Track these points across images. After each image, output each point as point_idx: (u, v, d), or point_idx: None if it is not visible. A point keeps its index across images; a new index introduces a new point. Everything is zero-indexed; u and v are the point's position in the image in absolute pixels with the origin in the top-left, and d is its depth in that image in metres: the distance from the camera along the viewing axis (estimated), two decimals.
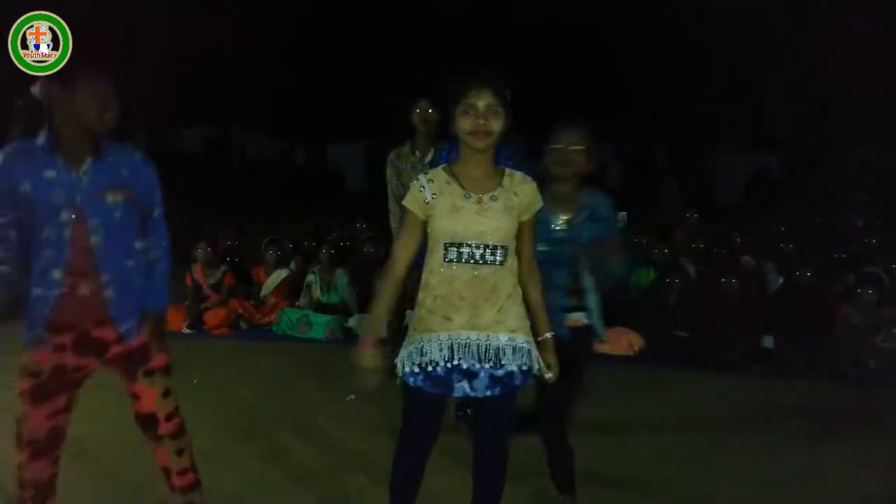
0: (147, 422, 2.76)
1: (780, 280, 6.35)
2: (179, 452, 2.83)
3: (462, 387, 2.47)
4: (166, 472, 2.87)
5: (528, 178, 2.56)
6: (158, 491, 3.57)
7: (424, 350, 2.45)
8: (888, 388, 5.14)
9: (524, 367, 2.49)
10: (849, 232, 7.83)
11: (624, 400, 5.00)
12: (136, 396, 2.76)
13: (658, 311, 6.17)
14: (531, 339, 2.54)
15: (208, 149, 19.28)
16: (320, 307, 6.54)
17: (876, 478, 3.80)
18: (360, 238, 7.44)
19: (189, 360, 5.64)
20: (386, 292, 2.52)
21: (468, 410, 3.54)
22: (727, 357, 5.69)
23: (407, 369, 2.48)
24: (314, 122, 17.97)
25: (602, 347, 5.99)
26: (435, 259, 2.46)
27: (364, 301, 6.56)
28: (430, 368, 2.45)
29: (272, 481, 3.68)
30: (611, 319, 6.13)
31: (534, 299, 2.58)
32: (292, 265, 7.05)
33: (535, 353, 2.53)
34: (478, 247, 2.42)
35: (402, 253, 2.50)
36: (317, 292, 6.62)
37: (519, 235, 2.52)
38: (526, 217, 2.51)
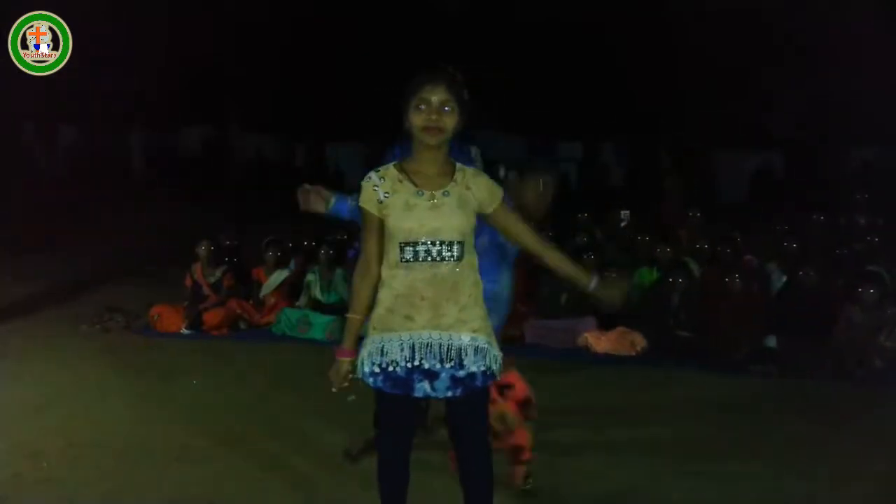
0: (525, 405, 3.21)
1: (784, 279, 6.33)
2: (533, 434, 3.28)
3: (423, 387, 2.44)
4: (520, 450, 3.27)
5: (480, 172, 2.56)
6: (159, 492, 3.56)
7: (385, 350, 2.43)
8: (892, 388, 5.12)
9: (484, 368, 2.47)
10: (852, 231, 7.80)
11: (627, 399, 4.99)
12: (510, 385, 3.21)
13: (661, 311, 6.15)
14: (492, 339, 2.53)
15: (208, 148, 19.27)
16: (319, 307, 6.52)
17: (879, 477, 3.78)
18: (360, 238, 7.41)
19: (188, 361, 5.63)
20: (364, 293, 2.50)
21: None
22: (730, 356, 5.66)
23: (367, 369, 2.46)
24: (314, 121, 17.96)
25: (606, 347, 5.98)
26: (392, 258, 2.44)
27: None
28: (390, 368, 2.43)
29: (270, 483, 3.65)
30: (613, 319, 6.17)
31: (555, 260, 2.57)
32: (292, 265, 7.02)
33: (494, 352, 2.51)
34: (433, 244, 2.40)
35: (373, 252, 2.49)
36: (316, 292, 6.60)
37: (502, 224, 2.54)
38: (491, 209, 2.50)
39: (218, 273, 6.63)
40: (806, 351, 5.54)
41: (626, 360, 5.82)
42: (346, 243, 7.13)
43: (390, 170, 2.50)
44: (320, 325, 6.27)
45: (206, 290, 6.57)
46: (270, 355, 5.87)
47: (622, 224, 8.61)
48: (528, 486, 3.41)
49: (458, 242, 2.42)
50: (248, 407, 4.71)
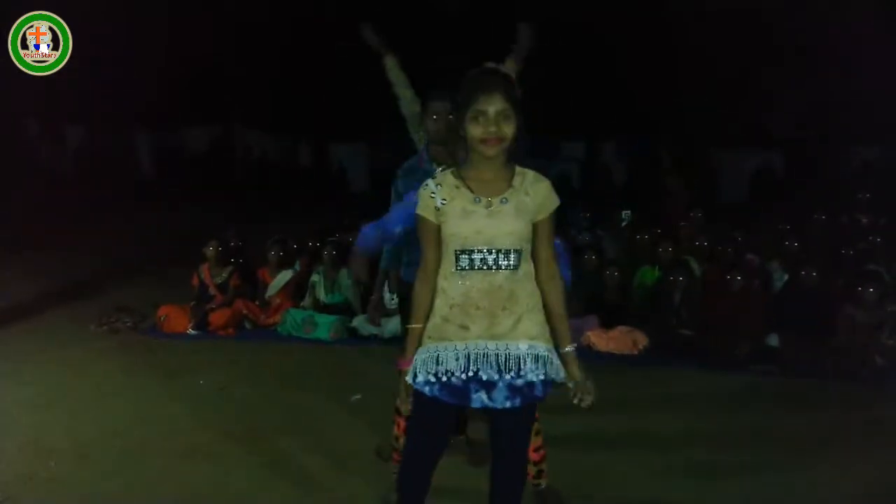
0: None
1: (785, 278, 6.35)
2: (537, 433, 3.24)
3: (480, 397, 2.38)
4: None
5: (541, 177, 2.46)
6: (166, 490, 3.59)
7: (440, 359, 2.37)
8: (894, 387, 5.13)
9: (543, 377, 2.41)
10: (853, 230, 7.82)
11: (628, 397, 5.00)
12: None
13: (662, 310, 6.17)
14: (552, 346, 2.45)
15: (211, 148, 19.27)
16: (324, 307, 6.53)
17: (879, 477, 3.80)
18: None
19: (194, 361, 5.65)
20: (426, 302, 2.44)
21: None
22: (732, 355, 5.68)
23: (421, 378, 2.40)
24: (316, 120, 17.96)
25: (608, 345, 6.00)
26: (447, 266, 2.39)
27: (367, 301, 6.54)
28: (444, 378, 2.37)
29: (275, 482, 3.68)
30: (615, 318, 6.19)
31: (552, 306, 2.46)
32: (297, 266, 7.04)
33: (556, 361, 2.44)
34: (490, 252, 2.34)
35: (433, 260, 2.43)
36: (321, 292, 6.61)
37: (535, 237, 2.42)
38: (541, 217, 2.42)
39: (225, 273, 6.64)
40: (807, 350, 5.56)
41: (628, 359, 5.84)
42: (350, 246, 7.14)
43: (447, 177, 2.43)
44: (325, 325, 6.28)
45: (212, 291, 6.58)
46: (276, 355, 5.89)
47: (623, 223, 8.63)
48: (538, 487, 3.38)
49: (515, 251, 2.36)
50: (254, 406, 4.74)
